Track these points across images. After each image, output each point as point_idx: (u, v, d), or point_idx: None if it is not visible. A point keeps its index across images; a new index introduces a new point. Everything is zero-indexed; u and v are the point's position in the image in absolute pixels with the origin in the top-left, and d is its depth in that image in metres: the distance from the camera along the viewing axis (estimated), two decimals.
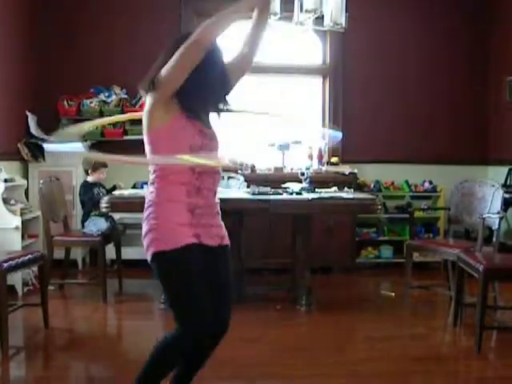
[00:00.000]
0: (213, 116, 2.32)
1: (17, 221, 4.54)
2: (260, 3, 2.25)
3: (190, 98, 2.15)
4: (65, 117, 5.80)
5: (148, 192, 2.25)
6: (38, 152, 5.59)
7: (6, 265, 3.39)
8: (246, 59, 2.33)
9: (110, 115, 5.75)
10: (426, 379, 3.14)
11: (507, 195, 4.92)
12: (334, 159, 5.99)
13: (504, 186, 5.44)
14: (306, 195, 4.31)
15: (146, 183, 4.63)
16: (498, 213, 4.21)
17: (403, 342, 3.71)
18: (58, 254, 4.70)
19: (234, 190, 4.69)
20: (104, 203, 4.15)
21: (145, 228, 2.20)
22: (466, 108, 6.32)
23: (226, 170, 4.81)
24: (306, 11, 4.29)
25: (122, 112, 5.75)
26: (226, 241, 2.31)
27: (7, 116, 5.27)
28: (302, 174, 4.77)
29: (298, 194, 4.38)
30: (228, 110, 2.32)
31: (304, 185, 4.65)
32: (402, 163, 6.17)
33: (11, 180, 4.90)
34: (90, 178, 4.91)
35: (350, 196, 4.42)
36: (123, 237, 5.18)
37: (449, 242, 4.56)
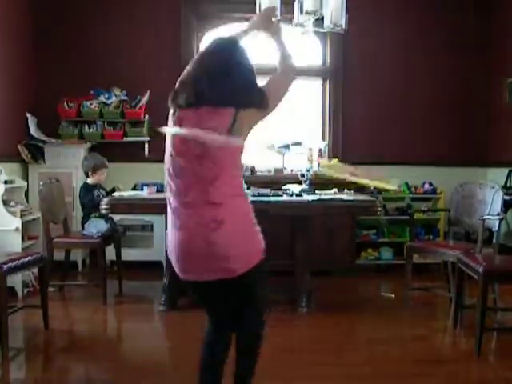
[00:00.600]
0: None
1: (17, 222, 4.54)
2: (262, 25, 2.31)
3: None
4: (65, 118, 5.80)
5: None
6: (38, 153, 5.59)
7: (6, 266, 3.39)
8: None
9: (110, 117, 5.79)
10: (425, 381, 3.14)
11: (507, 197, 4.94)
12: (334, 161, 5.98)
13: (504, 187, 5.44)
14: (305, 197, 4.31)
15: (147, 185, 4.68)
16: (498, 214, 4.21)
17: (403, 344, 3.71)
18: (58, 255, 4.69)
19: None
20: (104, 205, 4.15)
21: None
22: (466, 110, 6.32)
23: None
24: (306, 13, 4.29)
25: (122, 113, 5.77)
26: None
27: (7, 117, 5.27)
28: (302, 176, 4.78)
29: (297, 195, 4.38)
30: None
31: (304, 186, 4.65)
32: (402, 165, 6.16)
33: (11, 181, 4.91)
34: (90, 180, 4.91)
35: (350, 198, 4.42)
36: (123, 238, 5.18)
37: (449, 244, 4.56)
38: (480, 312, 3.43)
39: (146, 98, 5.74)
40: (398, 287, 4.90)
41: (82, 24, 5.93)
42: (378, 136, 6.17)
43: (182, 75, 2.32)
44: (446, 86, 6.28)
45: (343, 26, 4.34)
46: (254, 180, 5.25)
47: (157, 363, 3.34)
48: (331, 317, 4.25)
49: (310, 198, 4.25)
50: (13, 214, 4.61)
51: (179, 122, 2.22)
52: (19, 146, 5.49)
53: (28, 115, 5.66)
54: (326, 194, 4.48)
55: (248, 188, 4.73)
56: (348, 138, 6.21)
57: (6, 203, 4.65)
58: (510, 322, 4.23)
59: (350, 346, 3.72)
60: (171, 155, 2.23)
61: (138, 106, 5.79)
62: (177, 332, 3.99)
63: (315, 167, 5.52)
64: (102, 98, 5.84)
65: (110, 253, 4.95)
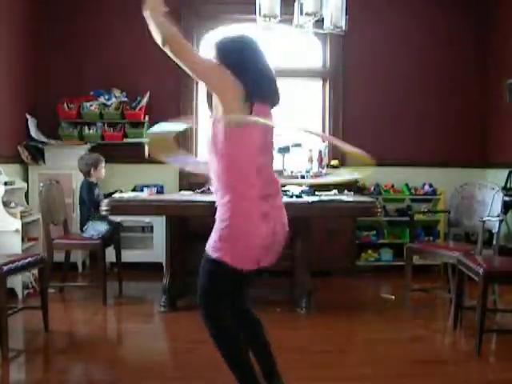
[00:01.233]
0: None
1: (17, 224, 4.54)
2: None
3: None
4: (65, 120, 5.81)
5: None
6: (38, 155, 5.60)
7: (5, 268, 3.38)
8: None
9: (110, 118, 5.79)
10: (425, 382, 3.13)
11: (507, 198, 4.94)
12: (334, 162, 5.99)
13: (504, 188, 5.44)
14: (306, 198, 4.31)
15: (147, 186, 4.69)
16: (498, 216, 4.21)
17: (403, 345, 3.70)
18: (58, 256, 4.70)
19: None
20: (104, 206, 4.15)
21: None
22: (466, 110, 6.33)
23: None
24: (306, 14, 4.30)
25: (122, 114, 5.77)
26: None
27: (7, 119, 5.27)
28: (302, 177, 4.77)
29: (298, 196, 4.38)
30: None
31: (304, 188, 4.65)
32: (402, 166, 6.17)
33: (11, 183, 4.90)
34: (91, 178, 4.90)
35: (350, 199, 4.42)
36: (123, 239, 5.18)
37: (449, 245, 4.57)
38: (480, 313, 3.43)
39: (146, 99, 5.74)
40: (398, 288, 4.90)
41: (82, 25, 5.94)
42: (377, 137, 6.17)
43: (260, 66, 2.37)
44: (445, 87, 6.29)
45: (343, 28, 4.35)
46: None
47: (157, 364, 3.34)
48: (331, 318, 4.25)
49: (310, 199, 4.24)
50: (13, 215, 4.61)
51: (258, 115, 2.30)
52: (19, 148, 5.50)
53: (28, 116, 5.67)
54: (326, 196, 4.48)
55: None
56: (348, 139, 6.13)
57: (5, 204, 4.65)
58: (509, 324, 4.24)
59: (350, 347, 3.72)
60: (258, 149, 2.34)
61: (138, 107, 5.79)
62: (177, 333, 3.99)
63: (315, 169, 5.53)
64: (101, 99, 5.84)
65: (110, 254, 4.95)
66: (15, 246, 4.46)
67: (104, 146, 5.74)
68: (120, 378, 3.11)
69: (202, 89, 2.39)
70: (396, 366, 3.30)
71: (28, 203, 5.33)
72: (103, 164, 4.95)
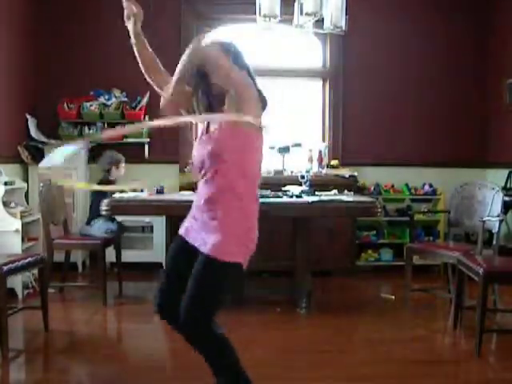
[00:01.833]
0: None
1: (17, 224, 4.54)
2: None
3: None
4: (65, 120, 5.80)
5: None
6: (38, 155, 5.59)
7: (6, 268, 3.39)
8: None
9: (110, 118, 5.79)
10: (425, 382, 3.13)
11: (507, 198, 4.93)
12: (334, 162, 6.00)
13: (504, 188, 5.44)
14: (306, 198, 4.31)
15: None
16: (498, 216, 4.21)
17: (403, 345, 3.70)
18: (58, 256, 4.69)
19: None
20: (104, 206, 4.15)
21: None
22: (465, 110, 6.33)
23: None
24: (306, 14, 4.30)
25: (122, 114, 5.77)
26: (202, 249, 2.32)
27: (7, 119, 5.27)
28: (302, 177, 4.78)
29: (298, 196, 4.38)
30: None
31: (304, 188, 4.65)
32: (402, 166, 6.17)
33: (11, 183, 4.90)
34: (111, 176, 4.98)
35: (350, 199, 4.42)
36: (123, 239, 5.18)
37: (449, 245, 4.57)
38: (480, 313, 3.43)
39: (146, 99, 5.75)
40: (398, 288, 4.90)
41: (81, 25, 5.94)
42: (378, 137, 6.18)
43: (249, 76, 2.38)
44: (445, 87, 6.28)
45: (343, 28, 4.35)
46: None
47: (157, 364, 3.34)
48: (331, 318, 4.25)
49: (310, 199, 4.25)
50: (13, 215, 4.61)
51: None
52: (19, 148, 5.50)
53: (28, 116, 5.67)
54: (326, 196, 4.48)
55: None
56: (348, 139, 6.21)
57: (6, 204, 4.65)
58: (509, 324, 4.23)
59: (350, 347, 3.71)
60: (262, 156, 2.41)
61: (138, 108, 5.79)
62: (177, 333, 3.98)
63: (315, 168, 5.53)
64: (102, 99, 5.84)
65: (110, 254, 4.94)
66: (15, 245, 4.46)
67: (104, 146, 5.73)
68: (120, 378, 3.11)
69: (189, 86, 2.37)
70: (396, 366, 3.30)
71: (28, 203, 5.32)
72: (123, 164, 5.04)
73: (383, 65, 6.21)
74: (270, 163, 5.73)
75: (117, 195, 4.57)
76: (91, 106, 5.81)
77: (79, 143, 2.26)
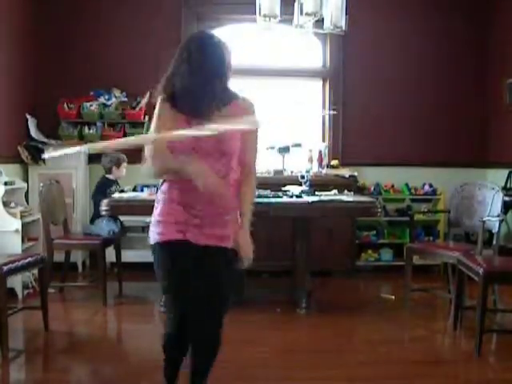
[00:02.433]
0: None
1: (17, 224, 4.54)
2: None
3: None
4: (65, 120, 5.80)
5: None
6: (38, 155, 5.59)
7: (6, 268, 3.39)
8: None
9: (110, 118, 5.79)
10: (425, 382, 3.13)
11: (507, 198, 4.93)
12: (334, 162, 5.99)
13: (504, 188, 5.44)
14: (306, 198, 4.31)
15: (147, 186, 4.69)
16: (498, 216, 4.21)
17: (403, 345, 3.71)
18: (58, 256, 4.69)
19: None
20: (104, 206, 4.15)
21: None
22: (465, 111, 6.32)
23: None
24: (306, 14, 4.30)
25: (122, 114, 5.77)
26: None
27: (7, 119, 5.27)
28: (302, 177, 4.77)
29: (298, 196, 4.38)
30: None
31: (304, 188, 4.65)
32: (402, 166, 6.17)
33: (11, 183, 4.90)
34: (111, 176, 4.99)
35: (350, 199, 4.42)
36: (123, 239, 5.18)
37: (449, 245, 4.57)
38: (480, 313, 3.43)
39: (145, 99, 5.74)
40: (398, 288, 4.90)
41: (81, 25, 5.93)
42: (378, 137, 6.17)
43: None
44: (445, 87, 6.28)
45: (343, 27, 4.35)
46: None
47: (157, 364, 3.33)
48: (331, 318, 4.25)
49: (310, 199, 4.25)
50: (13, 215, 4.61)
51: None
52: (19, 148, 5.50)
53: (28, 116, 5.66)
54: (326, 196, 4.48)
55: None
56: (348, 139, 6.21)
57: (6, 204, 4.65)
58: (509, 324, 4.24)
59: (350, 347, 3.71)
60: None
61: (138, 107, 5.79)
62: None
63: (315, 168, 5.53)
64: (101, 99, 5.84)
65: (110, 254, 4.95)
66: (15, 246, 4.46)
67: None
68: (120, 378, 3.11)
69: None
70: (396, 366, 3.30)
71: (28, 203, 5.32)
72: (125, 164, 5.06)
73: (383, 65, 6.21)
74: (270, 163, 5.74)
75: (116, 195, 4.57)
76: (91, 106, 5.81)
77: (76, 149, 2.24)
